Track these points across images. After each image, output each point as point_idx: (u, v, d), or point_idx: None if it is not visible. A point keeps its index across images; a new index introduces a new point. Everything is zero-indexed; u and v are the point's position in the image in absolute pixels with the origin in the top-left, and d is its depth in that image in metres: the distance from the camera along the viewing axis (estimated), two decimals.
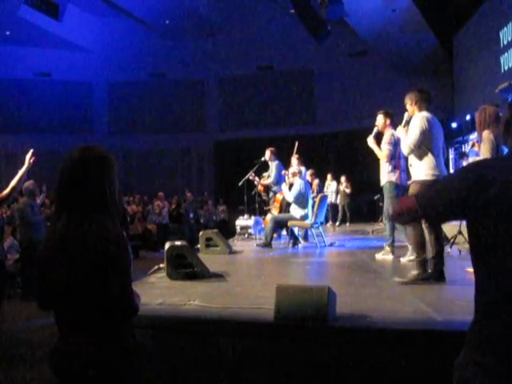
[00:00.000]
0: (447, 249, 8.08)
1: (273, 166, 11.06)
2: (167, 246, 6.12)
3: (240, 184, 12.12)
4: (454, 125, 18.58)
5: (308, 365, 3.53)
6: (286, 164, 10.85)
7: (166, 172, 24.63)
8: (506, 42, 14.93)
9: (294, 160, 9.81)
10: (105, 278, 2.04)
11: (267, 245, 9.43)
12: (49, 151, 22.16)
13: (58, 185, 2.17)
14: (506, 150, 2.03)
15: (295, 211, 9.50)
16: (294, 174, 9.73)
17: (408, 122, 5.84)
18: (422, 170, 5.54)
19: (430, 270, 5.38)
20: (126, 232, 2.25)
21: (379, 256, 7.69)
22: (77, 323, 2.09)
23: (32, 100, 23.15)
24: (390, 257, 7.52)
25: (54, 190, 2.20)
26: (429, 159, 5.52)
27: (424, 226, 5.36)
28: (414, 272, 5.41)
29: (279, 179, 10.85)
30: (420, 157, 5.56)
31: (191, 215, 19.27)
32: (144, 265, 7.40)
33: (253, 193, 12.46)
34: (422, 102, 5.73)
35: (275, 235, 10.10)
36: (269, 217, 10.13)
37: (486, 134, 5.48)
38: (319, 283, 5.28)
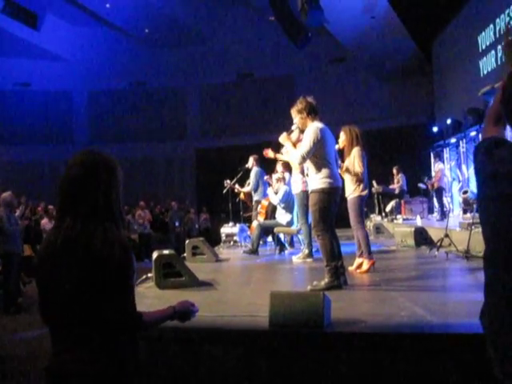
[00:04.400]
0: (434, 252, 8.12)
1: (252, 172, 11.04)
2: (155, 255, 6.05)
3: (224, 192, 12.11)
4: (434, 129, 18.73)
5: (305, 371, 3.49)
6: (269, 171, 10.82)
7: (147, 180, 24.46)
8: (484, 47, 15.09)
9: (279, 166, 9.79)
10: (109, 285, 1.97)
11: (254, 252, 9.40)
12: (29, 162, 21.99)
13: (62, 190, 2.10)
14: None
15: (281, 217, 9.48)
16: (278, 180, 9.70)
17: (291, 132, 5.96)
18: (318, 179, 5.60)
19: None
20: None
21: (296, 259, 8.14)
22: (74, 337, 1.99)
23: (11, 111, 22.93)
24: (308, 260, 8.04)
25: (58, 194, 2.12)
26: (324, 169, 5.59)
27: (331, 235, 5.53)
28: (326, 280, 5.39)
29: (257, 186, 10.85)
30: (315, 167, 5.63)
31: (177, 224, 19.17)
32: None
33: (237, 200, 12.46)
34: (313, 112, 5.78)
35: (261, 242, 10.07)
36: (255, 224, 10.09)
37: None
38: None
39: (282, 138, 6.06)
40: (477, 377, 3.23)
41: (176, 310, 2.34)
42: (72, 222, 2.04)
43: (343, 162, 7.03)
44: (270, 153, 8.05)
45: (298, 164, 5.68)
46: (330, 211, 5.58)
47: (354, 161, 6.83)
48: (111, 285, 1.98)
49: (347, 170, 6.88)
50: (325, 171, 5.59)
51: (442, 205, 14.81)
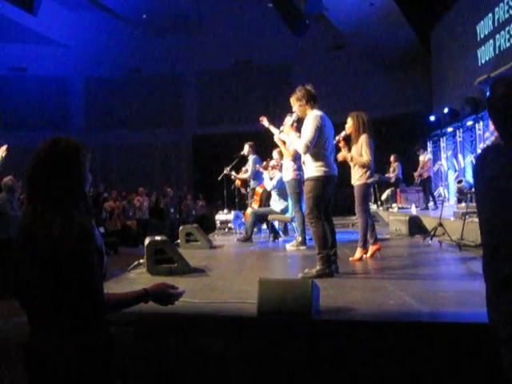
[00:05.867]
0: (428, 241, 8.12)
1: (250, 160, 11.03)
2: (147, 241, 6.04)
3: (219, 179, 12.10)
4: (432, 118, 18.69)
5: (292, 359, 3.49)
6: (265, 158, 10.79)
7: (144, 167, 24.43)
8: (482, 36, 15.04)
9: (275, 154, 9.77)
10: (69, 271, 1.98)
11: (248, 239, 9.41)
12: (25, 147, 21.84)
13: (26, 177, 2.14)
14: None
15: (275, 205, 9.48)
16: (273, 167, 9.69)
17: (294, 122, 5.96)
18: (314, 167, 5.62)
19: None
20: (100, 225, 2.19)
21: (290, 247, 8.17)
22: (45, 318, 2.04)
23: (7, 96, 22.74)
24: (302, 247, 8.07)
25: (25, 182, 2.17)
26: (321, 157, 5.62)
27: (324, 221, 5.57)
28: (317, 267, 5.41)
29: (256, 174, 10.85)
30: (312, 155, 5.64)
31: (172, 210, 19.16)
32: (124, 261, 7.31)
33: (232, 187, 12.46)
34: (312, 99, 5.79)
35: (255, 229, 10.08)
36: (249, 211, 10.09)
37: None
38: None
39: (286, 129, 6.18)
40: (464, 365, 3.25)
41: (148, 292, 2.30)
42: (32, 210, 2.07)
43: (350, 148, 7.02)
44: (265, 121, 7.98)
45: (303, 153, 5.66)
46: (323, 199, 5.59)
47: (362, 149, 6.80)
48: (71, 270, 1.99)
49: (353, 159, 6.87)
50: (321, 159, 5.61)
51: (432, 194, 14.87)
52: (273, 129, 7.95)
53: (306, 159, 5.73)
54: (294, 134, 6.00)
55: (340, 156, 6.86)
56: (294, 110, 5.96)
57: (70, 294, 2.00)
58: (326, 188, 5.60)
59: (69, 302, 2.00)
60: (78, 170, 2.15)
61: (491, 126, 9.83)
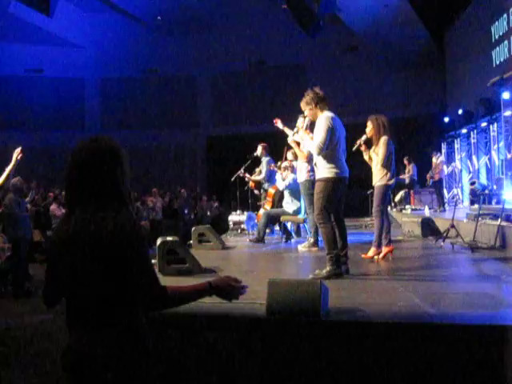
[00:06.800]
0: (440, 243, 8.11)
1: (264, 162, 11.05)
2: (159, 241, 6.09)
3: (232, 180, 12.14)
4: (446, 119, 18.61)
5: (301, 359, 3.51)
6: (278, 159, 10.81)
7: (158, 168, 24.55)
8: (497, 37, 14.95)
9: (290, 155, 9.79)
10: (127, 266, 1.99)
11: (260, 240, 9.42)
12: (41, 148, 22.10)
13: (69, 177, 2.10)
14: None
15: (288, 206, 9.49)
16: (285, 168, 9.69)
17: (307, 126, 5.97)
18: (325, 168, 5.65)
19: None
20: None
21: (302, 248, 8.16)
22: (93, 320, 2.02)
23: (24, 97, 22.98)
24: (314, 249, 8.01)
25: (65, 183, 2.13)
26: (332, 158, 5.64)
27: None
28: (327, 268, 5.44)
29: (269, 176, 10.87)
30: (324, 156, 5.66)
31: (186, 211, 19.22)
32: None
33: (245, 188, 12.49)
34: (322, 101, 5.81)
35: (268, 230, 10.10)
36: (261, 212, 10.11)
37: None
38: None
39: (301, 134, 6.33)
40: (474, 367, 3.25)
41: (212, 286, 2.22)
42: (82, 211, 2.05)
43: (371, 151, 7.13)
44: (279, 123, 8.04)
45: (317, 155, 5.70)
46: (333, 201, 5.62)
47: (379, 150, 6.86)
48: (130, 265, 2.00)
49: (370, 159, 7.02)
50: (332, 161, 5.64)
51: (442, 196, 14.87)
52: (287, 130, 7.99)
53: (318, 160, 5.75)
54: (308, 137, 6.04)
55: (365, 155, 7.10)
56: (305, 114, 6.01)
57: (130, 288, 2.01)
58: (335, 189, 5.62)
59: (127, 298, 2.02)
60: (121, 167, 2.13)
61: None
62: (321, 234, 5.70)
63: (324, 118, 5.67)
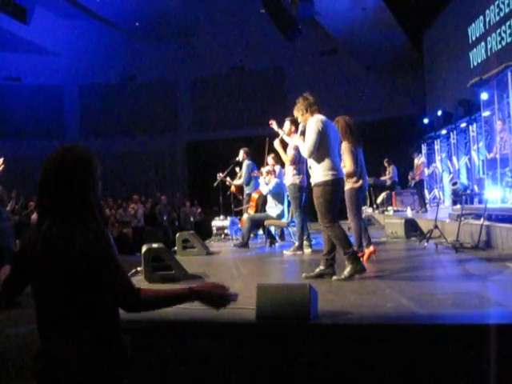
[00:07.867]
0: (424, 243, 8.15)
1: (244, 165, 11.05)
2: (144, 248, 6.05)
3: (215, 185, 12.11)
4: (425, 120, 18.77)
5: (292, 363, 3.50)
6: (261, 164, 10.80)
7: (139, 174, 24.42)
8: (474, 38, 15.15)
9: (270, 159, 9.78)
10: (97, 274, 1.99)
11: (244, 245, 9.40)
12: (20, 157, 21.84)
13: (40, 187, 2.10)
14: None
15: (271, 210, 9.48)
16: (268, 173, 9.68)
17: (303, 132, 6.01)
18: (320, 171, 5.64)
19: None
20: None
21: (287, 252, 8.17)
22: (64, 325, 2.01)
23: (2, 106, 22.75)
24: (299, 253, 8.02)
25: (36, 193, 2.14)
26: (326, 160, 5.63)
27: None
28: (348, 268, 5.49)
29: (249, 180, 10.87)
30: (317, 159, 5.66)
31: (165, 217, 19.14)
32: None
33: (227, 193, 12.47)
34: (312, 106, 5.84)
35: (252, 235, 10.08)
36: (245, 217, 10.09)
37: None
38: (299, 281, 5.28)
39: (296, 139, 6.24)
40: (462, 367, 3.26)
41: (193, 290, 2.13)
42: (50, 223, 2.04)
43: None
44: (274, 124, 8.04)
45: (308, 157, 5.70)
46: (335, 203, 5.62)
47: (344, 157, 6.84)
48: (99, 273, 2.00)
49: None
50: (327, 163, 5.61)
51: (423, 197, 14.98)
52: (281, 132, 7.98)
53: (312, 164, 5.73)
54: (298, 139, 6.01)
55: None
56: (299, 120, 6.02)
57: (104, 292, 2.02)
58: (335, 191, 5.61)
59: (103, 301, 2.03)
60: (92, 178, 2.12)
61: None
62: (332, 238, 5.66)
63: (313, 121, 5.67)
